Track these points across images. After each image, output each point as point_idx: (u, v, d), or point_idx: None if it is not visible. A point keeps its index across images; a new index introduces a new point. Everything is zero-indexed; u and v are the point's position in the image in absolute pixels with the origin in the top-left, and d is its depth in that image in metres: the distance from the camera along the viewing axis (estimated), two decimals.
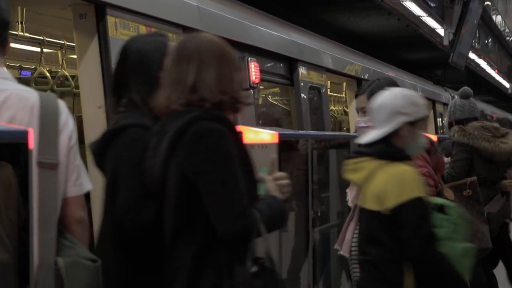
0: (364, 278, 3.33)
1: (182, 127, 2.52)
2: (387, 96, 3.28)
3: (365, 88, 3.71)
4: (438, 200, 3.34)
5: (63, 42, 5.69)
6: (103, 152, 2.71)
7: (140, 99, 2.75)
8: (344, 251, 3.64)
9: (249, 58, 5.64)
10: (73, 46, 4.62)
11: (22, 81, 6.29)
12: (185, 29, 4.76)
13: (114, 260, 2.63)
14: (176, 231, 2.54)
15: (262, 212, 2.51)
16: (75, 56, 4.25)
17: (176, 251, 2.54)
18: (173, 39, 4.61)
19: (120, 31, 4.09)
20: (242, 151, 2.59)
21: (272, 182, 2.65)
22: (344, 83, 9.22)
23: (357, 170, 3.27)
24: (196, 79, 2.58)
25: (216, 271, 2.50)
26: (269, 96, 7.27)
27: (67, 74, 5.88)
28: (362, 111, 3.68)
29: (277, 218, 2.60)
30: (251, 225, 2.47)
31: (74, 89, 5.94)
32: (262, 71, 5.87)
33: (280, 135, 4.21)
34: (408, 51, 16.03)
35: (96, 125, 3.98)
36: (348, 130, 9.25)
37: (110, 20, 4.01)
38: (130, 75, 2.80)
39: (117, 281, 2.62)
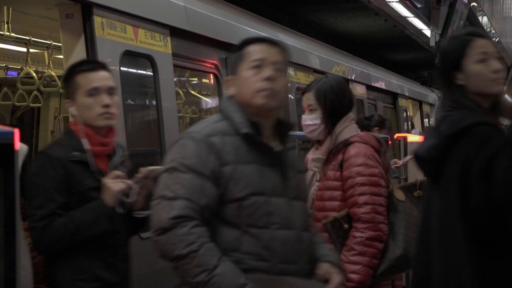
0: None
1: None
2: None
3: (312, 85, 3.66)
4: None
5: (49, 42, 5.67)
6: (441, 156, 2.66)
7: (461, 98, 2.72)
8: None
9: None
10: (59, 46, 4.61)
11: (9, 81, 6.28)
12: (172, 29, 4.75)
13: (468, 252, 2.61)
14: None
15: None
16: (61, 56, 4.24)
17: None
18: (161, 39, 4.61)
19: (107, 31, 4.08)
20: None
21: None
22: None
23: None
24: None
25: None
26: None
27: (53, 74, 5.86)
28: (308, 108, 3.62)
29: None
30: None
31: (60, 90, 5.93)
32: None
33: None
34: (395, 52, 16.07)
35: None
36: None
37: (97, 20, 4.00)
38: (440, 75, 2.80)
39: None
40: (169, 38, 4.69)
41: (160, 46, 4.58)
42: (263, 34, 6.54)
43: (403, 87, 12.52)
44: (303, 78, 7.29)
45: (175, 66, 4.84)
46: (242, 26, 6.07)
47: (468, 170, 2.57)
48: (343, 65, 8.92)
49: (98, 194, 3.03)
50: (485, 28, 26.29)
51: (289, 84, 6.83)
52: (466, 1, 17.06)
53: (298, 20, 11.02)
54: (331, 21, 11.90)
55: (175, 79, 5.06)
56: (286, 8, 10.66)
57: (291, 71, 6.95)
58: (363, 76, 9.85)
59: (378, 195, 3.47)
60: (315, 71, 7.76)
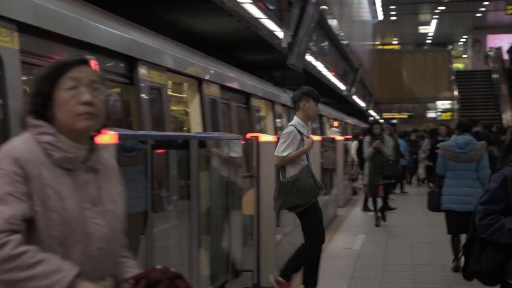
0: None
1: None
2: None
3: None
4: None
5: None
6: None
7: None
8: None
9: (87, 57, 5.53)
10: None
11: None
12: (20, 25, 4.60)
13: None
14: None
15: None
16: None
17: None
18: (7, 35, 4.45)
19: None
20: None
21: None
22: (186, 84, 9.25)
23: None
24: None
25: None
26: (109, 96, 7.17)
27: None
28: None
29: None
30: None
31: None
32: (100, 69, 5.77)
33: (120, 136, 4.15)
34: (249, 53, 16.28)
35: None
36: (189, 130, 9.28)
37: None
38: None
39: None
40: (16, 34, 4.54)
41: (6, 41, 4.43)
42: (115, 31, 6.45)
43: (256, 87, 12.71)
44: (156, 77, 7.25)
45: (23, 63, 4.69)
46: (95, 24, 5.96)
47: None
48: (197, 65, 8.95)
49: None
50: (335, 30, 27.14)
51: (142, 83, 6.79)
52: (316, 4, 17.55)
53: (153, 19, 10.94)
54: (186, 21, 11.90)
55: (23, 77, 4.90)
56: (141, 7, 10.57)
57: (144, 70, 6.90)
58: (217, 76, 9.92)
59: None
60: (169, 70, 7.74)
